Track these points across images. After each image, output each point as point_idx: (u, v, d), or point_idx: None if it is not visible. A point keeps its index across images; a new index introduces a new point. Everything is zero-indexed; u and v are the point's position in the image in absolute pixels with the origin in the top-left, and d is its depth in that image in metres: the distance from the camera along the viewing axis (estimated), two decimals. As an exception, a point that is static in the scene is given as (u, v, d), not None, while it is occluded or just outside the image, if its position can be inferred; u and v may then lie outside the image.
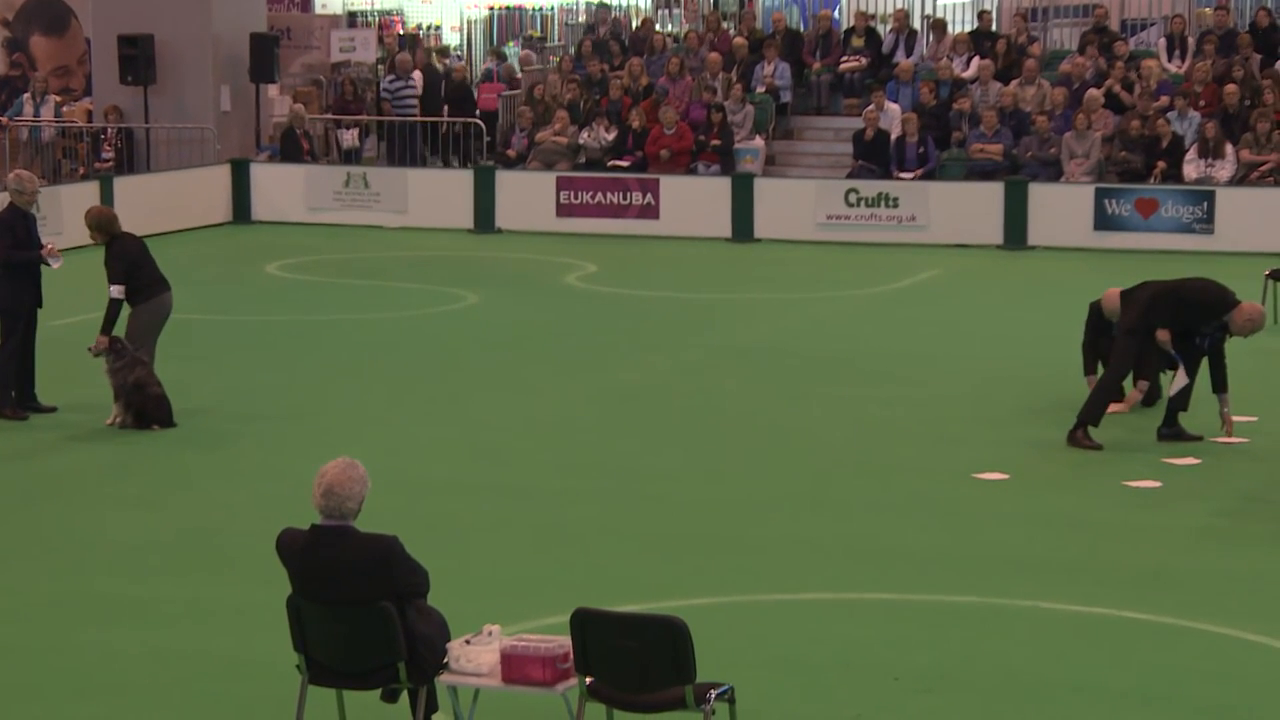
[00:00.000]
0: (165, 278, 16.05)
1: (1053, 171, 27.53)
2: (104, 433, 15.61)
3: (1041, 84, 28.97)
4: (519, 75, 34.64)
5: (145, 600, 11.25)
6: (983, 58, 29.92)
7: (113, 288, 15.76)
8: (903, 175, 27.91)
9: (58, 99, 32.48)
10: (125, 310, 15.95)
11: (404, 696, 8.65)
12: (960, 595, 11.28)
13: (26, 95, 32.17)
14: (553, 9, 40.83)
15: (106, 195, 26.66)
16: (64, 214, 25.20)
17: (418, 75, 32.01)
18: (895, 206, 27.24)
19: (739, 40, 31.52)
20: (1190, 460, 14.61)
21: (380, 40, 35.57)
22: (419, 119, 31.28)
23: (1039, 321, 21.02)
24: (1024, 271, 25.05)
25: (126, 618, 10.94)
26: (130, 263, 15.81)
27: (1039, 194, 26.83)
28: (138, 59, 30.42)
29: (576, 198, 28.48)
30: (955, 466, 14.36)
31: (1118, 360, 15.29)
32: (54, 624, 10.85)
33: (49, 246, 16.21)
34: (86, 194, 26.09)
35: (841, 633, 10.69)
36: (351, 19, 38.40)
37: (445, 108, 31.95)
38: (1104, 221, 26.31)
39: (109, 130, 30.80)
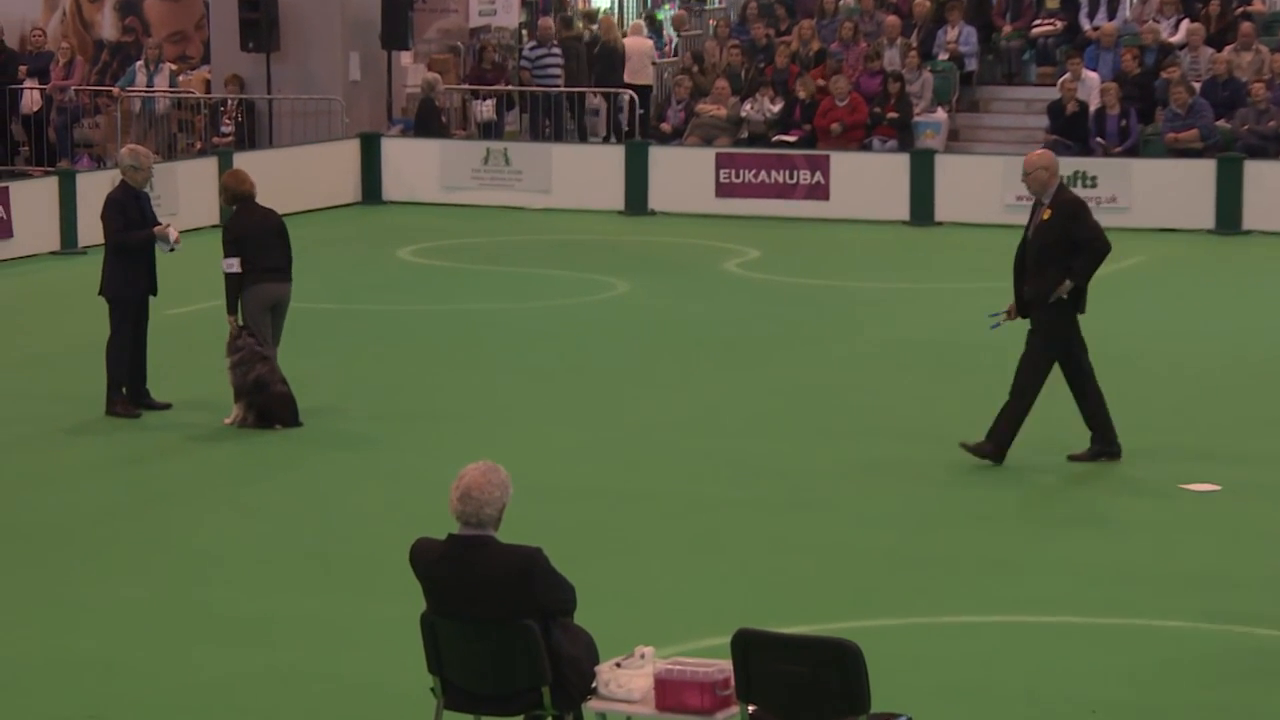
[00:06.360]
0: (280, 268, 16.06)
1: (1272, 147, 27.15)
2: (223, 433, 15.78)
3: (1259, 49, 28.58)
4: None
5: (267, 617, 11.38)
6: (1193, 20, 29.58)
7: (222, 261, 15.93)
8: (1101, 148, 27.60)
9: (173, 68, 32.81)
10: None
11: (548, 724, 8.71)
12: (1167, 620, 11.15)
13: (139, 64, 32.50)
14: (712, -33, 40.82)
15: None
16: (180, 193, 25.54)
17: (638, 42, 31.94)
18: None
19: (920, 2, 31.38)
20: None
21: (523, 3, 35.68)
22: (564, 89, 31.38)
23: (1258, 316, 20.74)
24: (1240, 259, 24.76)
25: (246, 636, 11.07)
26: (238, 238, 15.91)
27: (1255, 172, 26.48)
28: (260, 24, 30.68)
29: (738, 176, 28.46)
30: (1162, 478, 14.20)
31: None
32: (167, 641, 11.00)
33: (165, 226, 16.39)
34: (204, 171, 26.45)
35: (1029, 659, 10.62)
36: (493, -20, 38.59)
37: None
38: (1331, 201, 25.96)
39: (228, 102, 31.14)
